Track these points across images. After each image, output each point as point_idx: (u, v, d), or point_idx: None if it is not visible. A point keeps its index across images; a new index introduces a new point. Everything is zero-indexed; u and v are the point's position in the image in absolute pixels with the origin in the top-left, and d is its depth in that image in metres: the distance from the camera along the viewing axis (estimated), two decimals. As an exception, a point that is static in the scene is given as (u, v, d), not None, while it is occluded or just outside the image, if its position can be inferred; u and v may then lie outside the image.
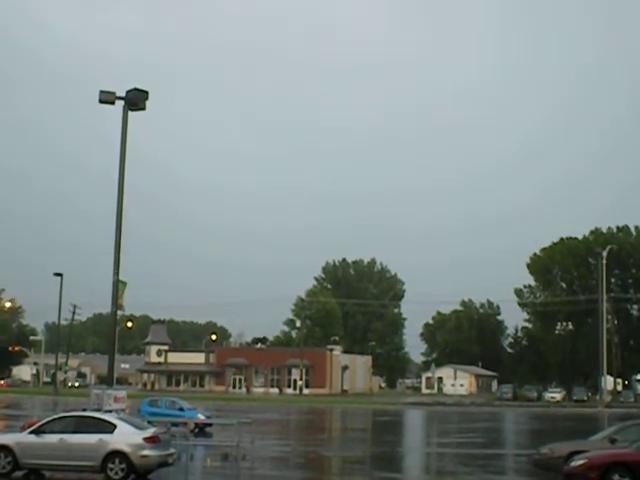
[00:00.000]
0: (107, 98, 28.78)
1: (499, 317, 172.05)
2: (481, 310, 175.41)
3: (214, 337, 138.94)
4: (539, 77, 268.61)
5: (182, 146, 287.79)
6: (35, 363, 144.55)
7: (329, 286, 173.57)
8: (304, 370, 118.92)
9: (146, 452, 22.75)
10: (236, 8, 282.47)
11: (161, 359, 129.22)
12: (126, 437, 22.85)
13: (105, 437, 22.81)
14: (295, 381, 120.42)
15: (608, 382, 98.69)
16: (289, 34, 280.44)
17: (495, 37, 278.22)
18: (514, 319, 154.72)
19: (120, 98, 28.85)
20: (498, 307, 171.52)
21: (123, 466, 22.52)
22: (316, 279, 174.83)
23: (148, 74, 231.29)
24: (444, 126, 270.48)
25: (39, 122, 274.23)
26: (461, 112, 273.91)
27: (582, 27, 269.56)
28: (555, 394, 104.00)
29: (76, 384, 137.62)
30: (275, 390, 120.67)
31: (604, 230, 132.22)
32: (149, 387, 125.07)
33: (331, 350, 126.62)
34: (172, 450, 24.34)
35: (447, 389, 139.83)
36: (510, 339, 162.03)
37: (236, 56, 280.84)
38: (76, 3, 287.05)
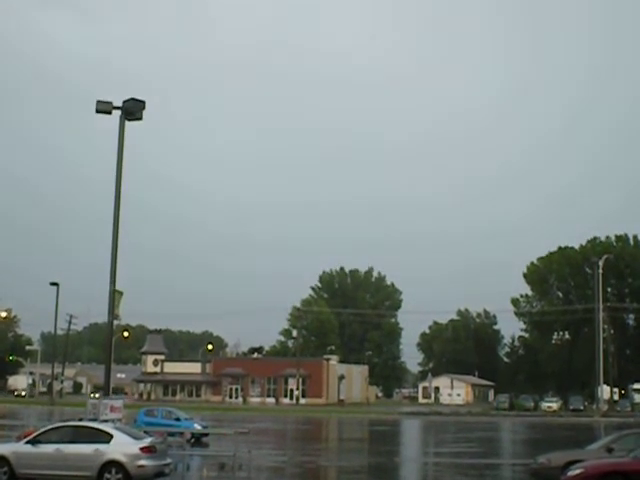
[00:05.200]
0: (104, 108, 28.83)
1: (496, 327, 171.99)
2: (478, 320, 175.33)
3: (210, 347, 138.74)
4: (538, 91, 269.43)
5: (180, 154, 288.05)
6: (31, 373, 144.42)
7: (325, 295, 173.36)
8: (301, 380, 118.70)
9: (142, 462, 22.71)
10: (237, 20, 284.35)
11: (157, 369, 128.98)
12: (122, 447, 22.81)
13: (101, 447, 22.77)
14: (292, 391, 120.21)
15: (605, 391, 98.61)
16: (288, 43, 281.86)
17: (490, 51, 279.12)
18: (511, 329, 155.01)
19: (117, 108, 28.91)
20: (495, 317, 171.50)
21: (119, 476, 22.48)
22: (313, 288, 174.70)
23: (147, 84, 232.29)
24: (442, 137, 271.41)
25: (40, 130, 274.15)
26: (459, 124, 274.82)
27: (581, 43, 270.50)
28: (552, 403, 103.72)
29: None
30: (271, 400, 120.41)
31: (602, 239, 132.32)
32: (145, 397, 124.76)
33: (327, 360, 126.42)
34: (168, 460, 24.29)
35: (444, 399, 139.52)
36: (507, 349, 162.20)
37: (237, 67, 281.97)
38: (77, 15, 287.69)
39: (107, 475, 22.49)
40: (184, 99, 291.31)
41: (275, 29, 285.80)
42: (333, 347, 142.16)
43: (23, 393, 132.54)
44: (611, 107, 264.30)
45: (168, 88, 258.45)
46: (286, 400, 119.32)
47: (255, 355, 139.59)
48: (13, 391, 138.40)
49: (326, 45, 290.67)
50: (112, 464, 22.55)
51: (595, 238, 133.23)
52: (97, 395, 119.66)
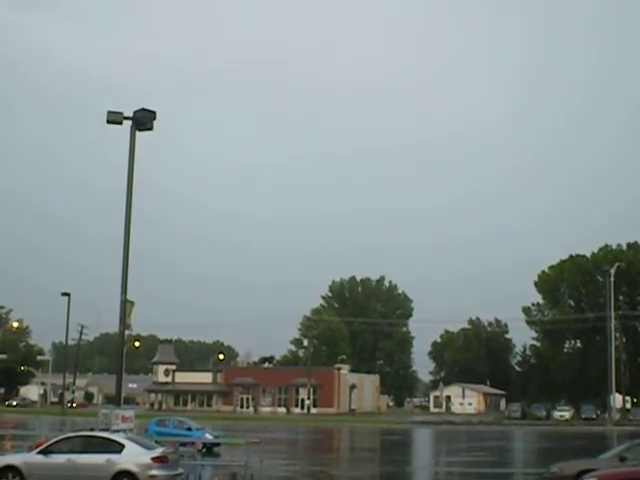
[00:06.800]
0: (115, 118, 28.96)
1: (507, 335, 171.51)
2: (489, 328, 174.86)
3: (221, 356, 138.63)
4: (545, 94, 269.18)
5: (185, 167, 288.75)
6: (42, 383, 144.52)
7: (336, 304, 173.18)
8: (312, 389, 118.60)
9: (154, 472, 22.68)
10: (245, 34, 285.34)
11: (169, 379, 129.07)
12: (134, 457, 22.80)
13: (113, 457, 22.77)
14: (303, 400, 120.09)
15: (617, 400, 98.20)
16: (295, 58, 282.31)
17: (502, 63, 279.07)
18: (522, 337, 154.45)
19: (127, 118, 29.03)
20: (506, 325, 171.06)
21: (131, 486, 22.48)
22: (323, 297, 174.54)
23: (149, 99, 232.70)
24: (450, 145, 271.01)
25: (44, 145, 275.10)
26: (467, 131, 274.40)
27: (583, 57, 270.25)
28: (564, 412, 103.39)
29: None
30: (283, 409, 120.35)
31: (614, 247, 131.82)
32: (157, 407, 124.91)
33: (339, 369, 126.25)
34: (180, 470, 24.30)
35: (455, 408, 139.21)
36: (518, 357, 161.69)
37: (241, 80, 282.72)
38: (77, 29, 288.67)
39: (119, 485, 22.51)
40: (185, 107, 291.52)
41: (274, 47, 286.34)
42: (344, 356, 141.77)
43: (14, 403, 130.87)
44: (621, 111, 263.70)
45: (168, 98, 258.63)
46: (297, 410, 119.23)
47: (266, 365, 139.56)
48: (4, 400, 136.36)
49: (332, 58, 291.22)
50: (124, 474, 22.53)
51: (606, 246, 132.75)
52: (75, 405, 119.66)
